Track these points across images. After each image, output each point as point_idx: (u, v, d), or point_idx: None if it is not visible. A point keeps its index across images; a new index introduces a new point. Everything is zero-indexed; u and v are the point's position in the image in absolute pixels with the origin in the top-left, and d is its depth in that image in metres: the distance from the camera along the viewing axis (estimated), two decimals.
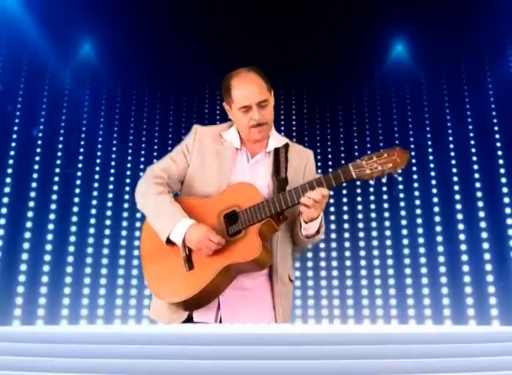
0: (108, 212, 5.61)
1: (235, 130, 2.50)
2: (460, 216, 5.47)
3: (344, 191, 5.79)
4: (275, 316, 2.35)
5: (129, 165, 5.85)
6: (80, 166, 5.72)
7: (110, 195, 5.69)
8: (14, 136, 5.60)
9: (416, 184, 5.71)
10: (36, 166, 5.58)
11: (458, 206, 5.51)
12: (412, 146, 5.86)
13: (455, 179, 5.61)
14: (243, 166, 2.44)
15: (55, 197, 5.53)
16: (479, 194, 5.49)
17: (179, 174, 2.45)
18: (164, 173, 2.43)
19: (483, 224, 5.37)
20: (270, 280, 2.37)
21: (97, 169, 5.77)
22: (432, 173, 5.70)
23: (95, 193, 5.67)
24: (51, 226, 5.41)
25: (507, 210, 5.35)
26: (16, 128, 5.63)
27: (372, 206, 5.74)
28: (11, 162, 5.49)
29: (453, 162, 5.69)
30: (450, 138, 5.79)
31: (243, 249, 2.24)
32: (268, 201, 2.25)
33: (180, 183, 2.47)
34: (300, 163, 2.48)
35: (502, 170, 5.49)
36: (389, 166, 2.16)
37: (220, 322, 2.32)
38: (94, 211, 5.60)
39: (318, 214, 2.26)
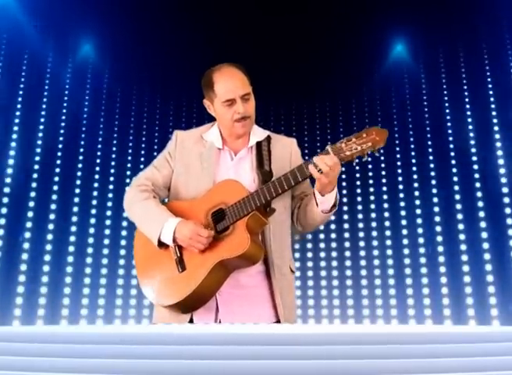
0: (108, 212, 5.61)
1: (216, 129, 2.50)
2: (460, 216, 5.47)
3: (344, 191, 5.79)
4: (276, 313, 2.31)
5: (129, 165, 5.85)
6: (80, 166, 5.72)
7: (110, 195, 5.69)
8: (14, 136, 5.60)
9: (416, 184, 5.70)
10: (36, 166, 5.58)
11: (458, 206, 5.51)
12: (412, 146, 5.86)
13: (455, 179, 5.60)
14: (227, 164, 2.44)
15: (55, 197, 5.53)
16: (479, 194, 5.49)
17: (164, 181, 2.47)
18: (148, 181, 2.45)
19: (483, 224, 5.37)
20: (268, 274, 2.34)
21: (97, 169, 5.77)
22: (432, 173, 5.70)
23: (95, 193, 5.67)
24: (51, 226, 5.41)
25: (507, 210, 5.34)
26: (15, 128, 5.63)
27: (372, 206, 5.74)
28: (11, 162, 5.49)
29: (453, 161, 5.68)
30: (450, 138, 5.78)
31: (231, 244, 2.24)
32: (253, 194, 2.26)
33: (167, 189, 2.48)
34: (284, 153, 2.48)
35: (502, 170, 5.48)
36: (369, 145, 2.15)
37: (220, 323, 2.30)
38: (94, 211, 5.59)
39: (332, 185, 2.24)
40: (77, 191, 5.61)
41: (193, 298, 2.25)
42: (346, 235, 5.68)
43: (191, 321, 2.31)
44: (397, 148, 5.85)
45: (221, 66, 2.45)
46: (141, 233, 2.41)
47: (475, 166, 5.59)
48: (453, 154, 5.72)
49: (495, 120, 5.67)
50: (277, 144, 2.50)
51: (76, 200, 5.58)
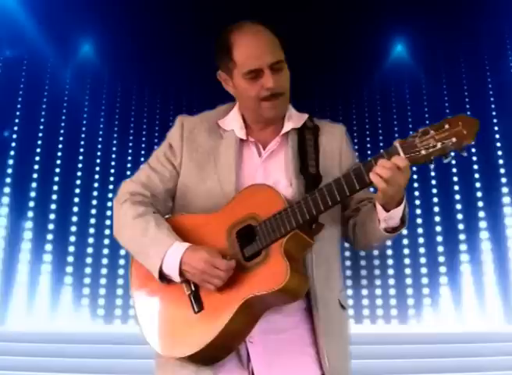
0: (108, 212, 5.61)
1: (236, 113, 1.76)
2: (460, 216, 5.48)
3: None
4: (320, 365, 1.60)
5: (129, 165, 5.85)
6: (80, 166, 5.73)
7: (110, 195, 5.69)
8: (14, 136, 5.60)
9: (416, 184, 5.71)
10: (36, 166, 5.59)
11: (458, 206, 5.52)
12: None
13: (455, 179, 5.61)
14: (254, 163, 1.71)
15: (55, 197, 5.53)
16: (479, 194, 5.49)
17: (166, 188, 1.72)
18: (144, 189, 1.70)
19: (483, 224, 5.37)
20: (310, 312, 1.64)
21: (97, 169, 5.78)
22: (432, 174, 5.70)
23: (95, 193, 5.67)
24: (51, 226, 5.42)
25: (507, 210, 5.35)
26: (15, 128, 5.63)
27: None
28: (11, 162, 5.50)
29: (453, 162, 5.69)
30: None
31: (265, 276, 1.57)
32: (293, 206, 1.58)
33: (170, 199, 1.74)
34: (334, 147, 1.77)
35: (502, 170, 5.49)
36: (453, 141, 1.55)
37: None
38: (94, 211, 5.60)
39: (400, 196, 1.64)
40: (77, 190, 5.62)
41: (212, 349, 1.58)
42: None
43: None
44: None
45: (242, 23, 1.74)
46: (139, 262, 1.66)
47: (475, 166, 5.59)
48: (452, 154, 5.72)
49: (495, 120, 5.68)
50: (324, 132, 1.77)
51: (76, 200, 5.59)
